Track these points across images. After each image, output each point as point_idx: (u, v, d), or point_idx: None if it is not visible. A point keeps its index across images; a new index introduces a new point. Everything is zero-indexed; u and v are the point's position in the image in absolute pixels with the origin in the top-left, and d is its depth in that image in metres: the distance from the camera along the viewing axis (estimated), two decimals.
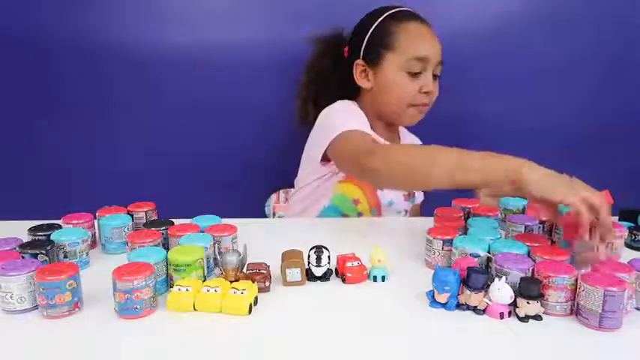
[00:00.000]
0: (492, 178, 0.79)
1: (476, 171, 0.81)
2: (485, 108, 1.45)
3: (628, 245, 0.90)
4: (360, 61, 1.19)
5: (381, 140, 1.14)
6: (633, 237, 0.90)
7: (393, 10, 1.17)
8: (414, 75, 1.14)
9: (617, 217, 1.00)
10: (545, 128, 1.46)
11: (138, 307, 0.64)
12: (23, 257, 0.73)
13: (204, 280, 0.71)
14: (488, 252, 0.75)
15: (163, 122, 1.44)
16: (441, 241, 0.79)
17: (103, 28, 1.37)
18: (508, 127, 1.46)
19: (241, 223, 0.87)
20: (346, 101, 1.20)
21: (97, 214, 0.93)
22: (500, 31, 1.39)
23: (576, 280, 0.65)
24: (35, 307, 0.66)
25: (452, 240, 0.78)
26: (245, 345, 0.60)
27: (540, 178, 0.75)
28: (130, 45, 1.37)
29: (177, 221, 0.88)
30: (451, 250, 0.78)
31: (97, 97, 1.41)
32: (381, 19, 1.16)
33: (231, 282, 0.69)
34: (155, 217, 0.98)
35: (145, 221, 0.93)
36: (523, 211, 0.97)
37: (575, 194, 0.71)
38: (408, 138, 1.34)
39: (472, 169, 0.81)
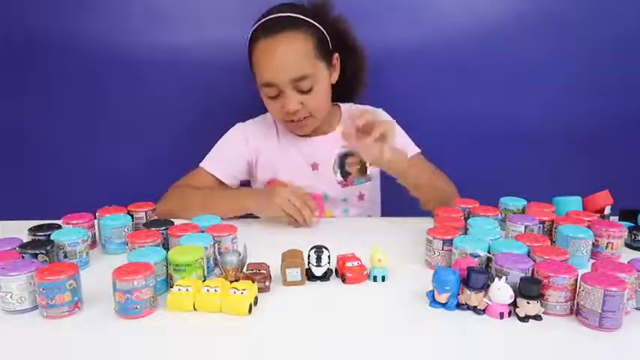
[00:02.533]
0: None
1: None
2: (483, 108, 1.45)
3: (628, 245, 0.90)
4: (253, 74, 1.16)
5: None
6: (633, 237, 0.90)
7: (253, 28, 1.10)
8: (273, 97, 1.09)
9: (617, 217, 1.00)
10: (545, 128, 1.46)
11: (138, 307, 0.64)
12: (23, 257, 0.73)
13: (204, 280, 0.71)
14: (488, 252, 0.75)
15: (163, 122, 1.44)
16: (441, 241, 0.79)
17: (103, 28, 1.37)
18: (507, 128, 1.46)
19: (241, 223, 0.87)
20: (237, 126, 1.22)
21: (97, 214, 0.93)
22: (496, 32, 1.39)
23: (576, 280, 0.65)
24: (35, 307, 0.66)
25: (452, 240, 0.78)
26: (245, 345, 0.60)
27: (259, 207, 1.06)
28: (130, 45, 1.38)
29: (177, 221, 0.88)
30: (451, 250, 0.78)
31: (96, 97, 1.41)
32: (249, 37, 1.11)
33: (231, 282, 0.69)
34: (155, 217, 0.98)
35: (145, 221, 0.93)
36: (523, 211, 0.97)
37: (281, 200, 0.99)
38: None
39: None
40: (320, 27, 1.09)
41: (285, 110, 1.08)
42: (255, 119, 1.26)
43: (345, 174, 1.19)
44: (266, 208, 1.03)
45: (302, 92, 1.07)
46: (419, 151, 1.21)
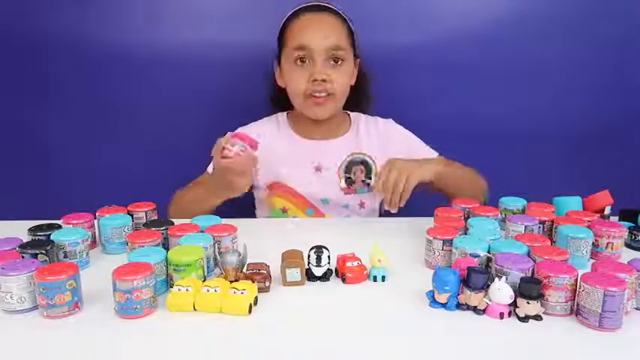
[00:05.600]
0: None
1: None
2: (483, 108, 1.45)
3: (628, 245, 0.90)
4: (275, 63, 1.21)
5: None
6: (633, 237, 0.90)
7: (295, 9, 1.16)
8: (301, 65, 1.12)
9: (617, 217, 1.00)
10: (545, 128, 1.46)
11: (138, 307, 0.64)
12: (23, 257, 0.73)
13: (204, 280, 0.71)
14: (488, 252, 0.75)
15: (163, 122, 1.44)
16: (441, 241, 0.79)
17: (102, 28, 1.37)
18: (507, 128, 1.46)
19: (241, 223, 0.87)
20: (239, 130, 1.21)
21: (97, 214, 0.93)
22: (496, 32, 1.39)
23: (576, 280, 0.65)
24: (35, 307, 0.66)
25: (452, 240, 0.78)
26: (245, 345, 0.60)
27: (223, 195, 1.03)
28: (130, 45, 1.37)
29: (177, 221, 0.88)
30: (451, 250, 0.78)
31: (96, 96, 1.41)
32: (284, 20, 1.17)
33: (231, 282, 0.69)
34: (155, 217, 0.98)
35: (145, 221, 0.93)
36: (523, 211, 0.97)
37: None
38: (393, 135, 1.25)
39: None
40: (352, 27, 1.18)
41: (312, 78, 1.10)
42: (260, 121, 1.26)
43: (349, 181, 1.20)
44: (227, 192, 1.01)
45: (332, 65, 1.12)
46: (437, 154, 1.22)
